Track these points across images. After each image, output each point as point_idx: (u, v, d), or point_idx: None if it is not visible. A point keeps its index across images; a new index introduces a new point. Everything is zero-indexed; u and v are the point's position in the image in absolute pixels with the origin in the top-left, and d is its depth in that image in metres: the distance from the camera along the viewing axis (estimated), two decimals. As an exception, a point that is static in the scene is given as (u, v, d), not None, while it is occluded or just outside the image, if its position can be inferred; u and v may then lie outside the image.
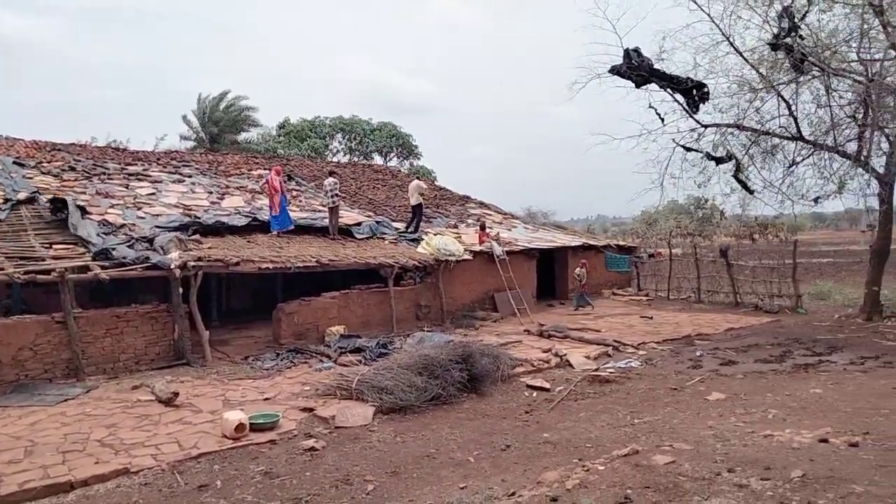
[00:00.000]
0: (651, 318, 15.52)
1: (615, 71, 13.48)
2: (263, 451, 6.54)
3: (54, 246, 11.05)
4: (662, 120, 13.89)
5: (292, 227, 14.47)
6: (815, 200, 14.55)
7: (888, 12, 11.78)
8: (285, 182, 15.55)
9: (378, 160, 36.94)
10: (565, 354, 10.79)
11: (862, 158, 13.33)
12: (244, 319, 14.75)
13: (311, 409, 7.85)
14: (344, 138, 37.75)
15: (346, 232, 15.65)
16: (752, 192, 14.53)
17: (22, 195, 13.03)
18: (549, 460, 6.20)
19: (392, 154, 38.52)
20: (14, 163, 15.40)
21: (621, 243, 22.57)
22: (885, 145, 13.67)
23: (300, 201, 17.94)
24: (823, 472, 4.59)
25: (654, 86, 13.64)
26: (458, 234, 17.59)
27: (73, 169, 16.15)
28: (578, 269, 17.44)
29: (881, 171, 13.58)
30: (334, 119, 37.50)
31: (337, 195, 15.32)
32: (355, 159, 35.70)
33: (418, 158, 39.28)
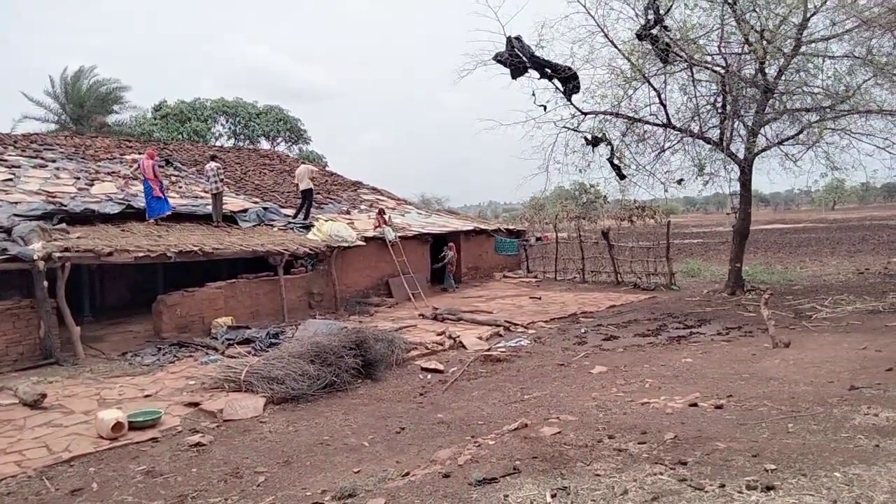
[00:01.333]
0: (539, 298, 16.12)
1: (499, 58, 13.79)
2: (144, 449, 6.18)
3: None
4: (545, 108, 14.40)
5: (170, 213, 13.66)
6: (679, 182, 15.67)
7: (740, 6, 12.79)
8: (161, 167, 14.66)
9: (265, 145, 35.69)
10: (458, 336, 10.98)
11: (723, 144, 14.49)
12: (122, 314, 13.85)
13: (196, 404, 7.51)
14: (227, 122, 36.11)
15: (231, 219, 15.03)
16: (623, 178, 15.40)
17: None
18: (443, 440, 6.29)
19: (279, 139, 37.35)
20: None
21: (511, 227, 23.23)
22: (743, 132, 14.94)
23: (180, 187, 16.98)
24: (692, 433, 4.99)
25: (536, 73, 14.08)
26: (350, 220, 17.38)
27: (-89, 152, 14.37)
28: (447, 251, 18.05)
29: (740, 156, 14.84)
30: (216, 101, 35.75)
31: (220, 180, 14.64)
32: (241, 144, 34.26)
33: (307, 143, 38.41)
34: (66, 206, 12.77)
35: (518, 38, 13.60)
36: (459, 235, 19.55)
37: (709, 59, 14.04)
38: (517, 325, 12.26)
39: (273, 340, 10.66)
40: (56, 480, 5.43)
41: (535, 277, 20.68)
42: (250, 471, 5.59)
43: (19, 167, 15.30)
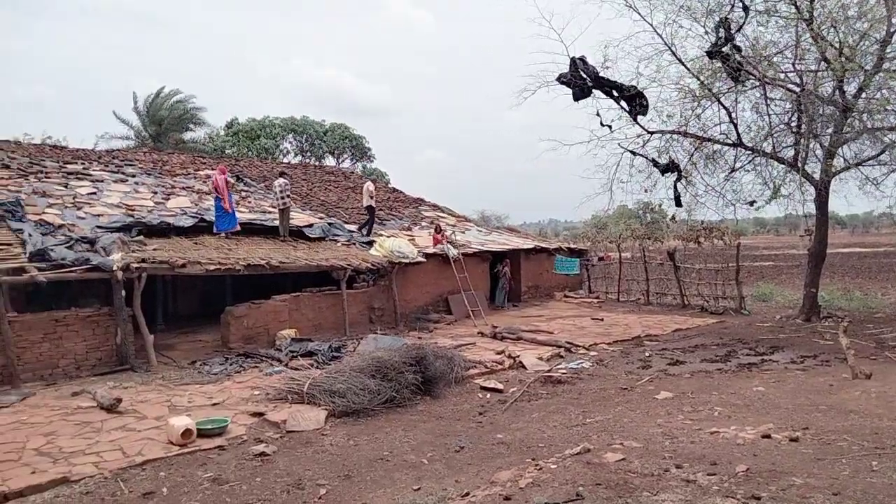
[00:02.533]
0: (602, 319, 15.81)
1: (562, 79, 13.71)
2: (212, 457, 6.36)
3: (-13, 247, 10.52)
4: (610, 127, 14.20)
5: (238, 228, 14.13)
6: (751, 203, 15.10)
7: (817, 23, 12.31)
8: (232, 182, 15.21)
9: (331, 162, 36.56)
10: (518, 356, 10.88)
11: (798, 164, 13.92)
12: (192, 323, 14.36)
13: (261, 414, 7.68)
14: (295, 139, 37.21)
15: (297, 233, 15.42)
16: (679, 205, 15.01)
17: (-49, 193, 12.38)
18: (503, 460, 6.22)
19: (345, 156, 38.19)
20: (-57, 159, 14.61)
21: (572, 246, 22.94)
22: (819, 152, 14.30)
23: (249, 202, 17.58)
24: (766, 466, 4.75)
25: (601, 93, 13.93)
26: (411, 236, 17.55)
27: (7, 167, 15.42)
28: (501, 268, 17.94)
29: (816, 177, 14.21)
30: (285, 120, 36.91)
31: (287, 196, 15.08)
32: (307, 160, 35.22)
33: (371, 161, 39.08)
34: (143, 218, 13.40)
35: (582, 59, 13.51)
36: (520, 253, 19.44)
37: (782, 76, 13.55)
38: (578, 346, 12.04)
39: (335, 354, 10.83)
40: (130, 483, 5.65)
41: (597, 298, 20.31)
42: (312, 483, 5.66)
43: (102, 181, 16.19)
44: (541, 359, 10.93)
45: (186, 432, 6.57)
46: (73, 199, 14.13)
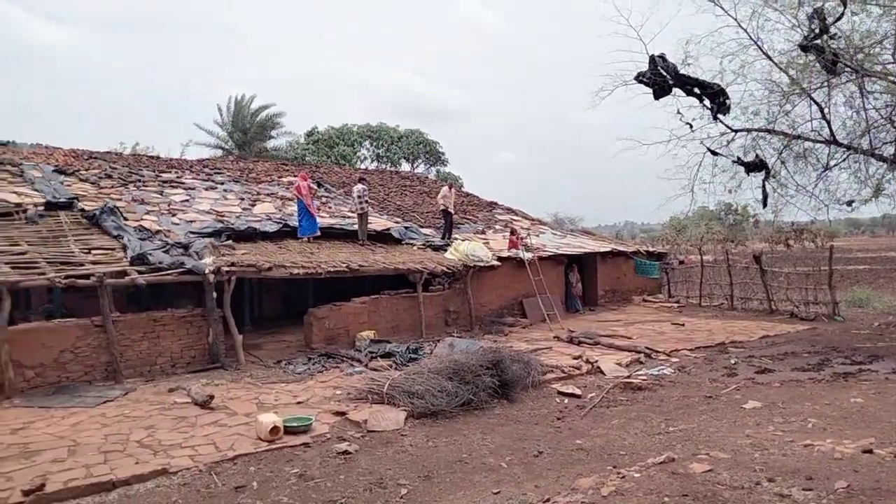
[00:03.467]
0: (683, 324, 15.32)
1: (641, 78, 13.40)
2: (297, 453, 6.61)
3: (93, 251, 11.32)
4: (691, 126, 13.74)
5: (318, 234, 14.58)
6: (849, 204, 14.24)
7: None
8: (314, 188, 15.72)
9: (405, 167, 37.13)
10: (596, 361, 10.71)
11: (900, 162, 13.03)
12: (276, 324, 14.91)
13: (343, 413, 7.91)
14: (371, 145, 38.02)
15: (375, 237, 15.76)
16: (765, 205, 14.31)
17: (61, 201, 13.38)
18: (583, 467, 6.16)
19: (419, 161, 38.68)
20: (54, 170, 15.83)
21: (651, 249, 22.35)
22: (925, 149, 13.33)
23: (329, 207, 18.13)
24: (869, 484, 4.49)
25: (681, 91, 13.52)
26: (485, 239, 17.59)
27: (109, 176, 16.53)
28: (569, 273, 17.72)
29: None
30: (362, 126, 37.78)
31: (366, 201, 15.44)
32: (383, 166, 35.92)
33: (445, 165, 39.40)
34: (232, 224, 14.06)
35: (662, 56, 13.14)
36: (595, 257, 19.12)
37: (878, 68, 12.72)
38: (659, 352, 11.73)
39: (412, 355, 11.00)
40: (222, 476, 5.96)
41: (678, 302, 19.68)
42: (393, 482, 5.79)
43: (194, 189, 17.11)
44: (619, 364, 10.71)
45: (274, 429, 6.85)
46: (168, 205, 15.01)
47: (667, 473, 5.30)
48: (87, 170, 16.70)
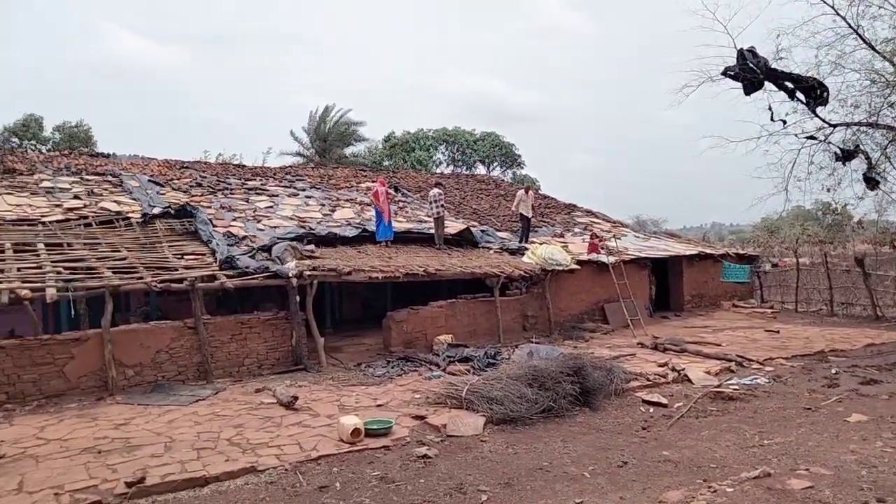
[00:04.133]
0: (777, 331, 14.47)
1: (728, 73, 12.78)
2: (378, 456, 6.66)
3: (185, 256, 11.91)
4: (784, 122, 12.99)
5: (391, 238, 14.75)
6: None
7: None
8: (391, 193, 15.94)
9: (481, 170, 37.14)
10: (683, 369, 10.27)
11: None
12: (355, 327, 15.20)
13: (422, 417, 7.92)
14: (447, 149, 38.26)
15: (451, 241, 15.80)
16: (873, 187, 13.22)
17: (157, 210, 14.18)
18: (671, 479, 5.90)
19: (495, 163, 38.60)
20: (149, 180, 16.80)
21: (740, 252, 21.30)
22: None
23: (406, 212, 18.33)
24: None
25: (772, 86, 12.80)
26: (564, 243, 17.28)
27: (199, 185, 17.40)
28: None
29: None
30: (437, 131, 38.11)
31: (442, 206, 15.51)
32: (459, 170, 36.06)
33: (522, 167, 39.14)
34: (313, 229, 14.45)
35: (751, 50, 12.48)
36: (681, 260, 18.41)
37: None
38: (751, 360, 11.11)
39: (490, 360, 10.92)
40: (307, 476, 6.08)
41: (771, 308, 18.63)
42: (473, 488, 5.73)
43: (277, 196, 17.73)
44: (708, 373, 10.22)
45: (355, 431, 6.94)
46: (254, 212, 15.62)
47: (762, 489, 5.01)
48: (178, 179, 17.64)
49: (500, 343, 13.07)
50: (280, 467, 6.25)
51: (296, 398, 8.53)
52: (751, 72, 12.42)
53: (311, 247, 13.20)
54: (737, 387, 9.40)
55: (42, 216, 12.89)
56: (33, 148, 24.65)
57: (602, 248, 16.14)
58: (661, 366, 10.66)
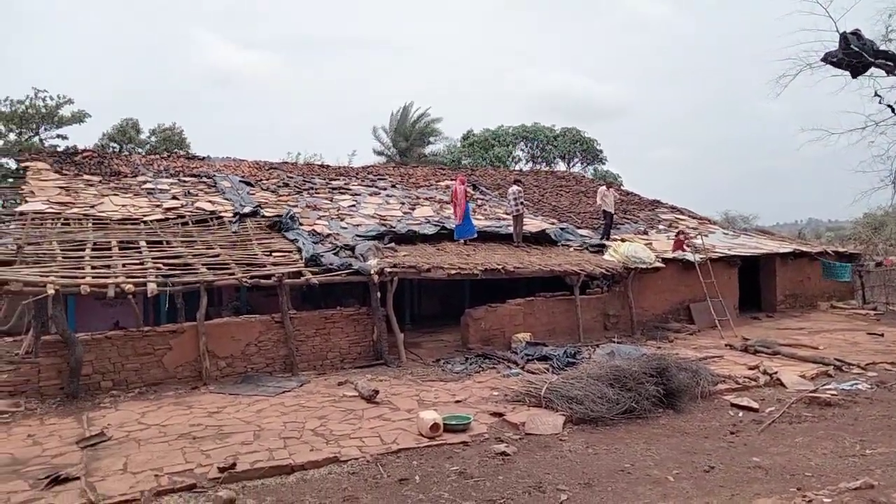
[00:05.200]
0: (882, 335, 13.49)
1: (830, 59, 12.02)
2: (457, 451, 6.71)
3: (273, 253, 12.40)
4: (893, 109, 12.09)
5: (475, 236, 14.78)
6: None
7: None
8: (470, 192, 15.98)
9: (561, 166, 36.62)
10: (776, 372, 9.77)
11: None
12: (434, 323, 15.34)
13: (500, 414, 7.92)
14: (526, 146, 37.95)
15: (530, 239, 15.68)
16: None
17: (247, 209, 14.83)
18: (761, 486, 5.64)
19: (576, 160, 37.96)
20: (240, 181, 17.59)
21: (840, 250, 19.98)
22: None
23: (485, 210, 18.34)
24: None
25: (881, 70, 11.94)
26: (648, 240, 16.80)
27: (286, 185, 18.05)
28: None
29: None
30: (517, 128, 37.85)
31: (521, 203, 15.41)
32: (538, 166, 35.71)
33: (603, 163, 38.29)
34: (394, 227, 14.71)
35: (855, 33, 11.70)
36: (774, 258, 17.49)
37: None
38: (851, 364, 10.43)
39: (570, 360, 10.77)
40: (388, 468, 6.22)
41: (874, 309, 17.39)
42: (552, 487, 5.68)
43: (360, 195, 18.15)
44: (803, 377, 9.67)
45: (434, 426, 7.03)
46: (337, 211, 16.06)
47: (864, 501, 4.71)
48: (267, 179, 18.37)
49: (580, 342, 12.87)
50: (362, 458, 6.42)
51: (377, 392, 8.72)
52: (855, 56, 11.65)
53: (392, 244, 13.44)
54: (835, 392, 8.85)
55: (144, 216, 13.76)
56: (135, 151, 26.34)
57: (688, 246, 15.57)
58: (751, 368, 10.20)
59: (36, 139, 26.22)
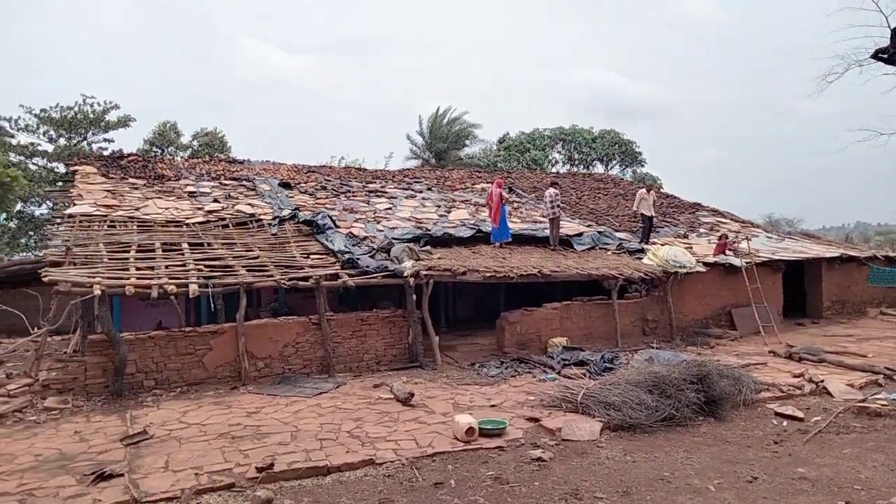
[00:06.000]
0: (935, 343, 12.96)
1: (881, 55, 11.63)
2: (492, 456, 6.67)
3: (310, 256, 12.55)
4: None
5: (509, 240, 14.69)
6: None
7: None
8: (505, 195, 15.89)
9: (599, 169, 36.24)
10: (822, 381, 9.46)
11: None
12: (469, 327, 15.31)
13: (536, 420, 7.85)
14: (563, 149, 37.67)
15: (566, 242, 15.53)
16: None
17: (286, 212, 15.05)
18: (807, 498, 5.47)
19: (614, 162, 37.52)
20: (279, 184, 17.86)
21: (890, 254, 19.27)
22: None
23: (521, 213, 18.24)
24: None
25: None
26: (688, 244, 16.47)
27: (324, 188, 18.26)
28: None
29: None
30: (553, 130, 37.62)
31: (558, 206, 15.28)
32: (575, 169, 35.40)
33: (642, 165, 37.76)
34: (429, 230, 14.72)
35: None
36: (820, 263, 16.97)
37: None
38: (903, 373, 10.04)
39: (607, 365, 10.62)
40: (423, 471, 6.21)
41: (927, 316, 16.73)
42: (590, 495, 5.59)
43: (395, 198, 18.25)
44: (851, 386, 9.35)
45: (470, 430, 7.00)
46: (374, 213, 16.18)
47: (920, 519, 4.50)
48: (305, 182, 18.62)
49: (618, 347, 12.68)
50: (397, 461, 6.43)
51: (412, 395, 8.73)
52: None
53: (428, 247, 13.46)
54: (885, 402, 8.51)
55: (186, 218, 14.08)
56: (177, 155, 27.00)
57: (731, 250, 15.21)
58: (796, 376, 9.90)
59: (84, 144, 27.08)
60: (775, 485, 5.83)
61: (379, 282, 11.63)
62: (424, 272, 11.60)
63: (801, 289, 17.34)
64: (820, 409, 8.38)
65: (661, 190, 26.25)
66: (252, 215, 14.78)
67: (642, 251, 15.17)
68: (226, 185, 17.43)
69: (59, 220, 13.20)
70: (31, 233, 24.95)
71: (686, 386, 7.91)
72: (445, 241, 14.38)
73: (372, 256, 12.41)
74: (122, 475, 5.99)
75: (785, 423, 7.85)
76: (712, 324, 14.77)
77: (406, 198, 18.44)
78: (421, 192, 19.43)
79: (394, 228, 14.84)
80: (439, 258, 12.74)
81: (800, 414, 8.10)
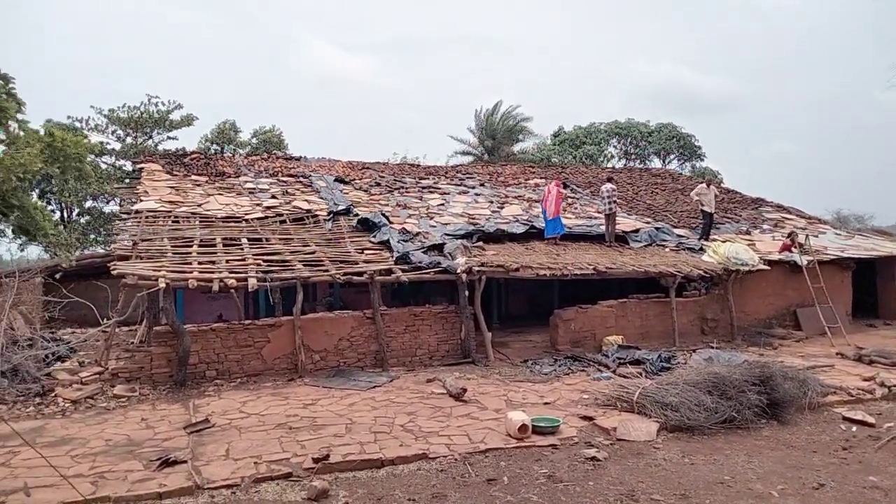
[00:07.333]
0: None
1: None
2: (545, 454, 6.61)
3: (365, 251, 12.70)
4: None
5: (563, 233, 14.49)
6: None
7: None
8: (563, 193, 15.67)
9: (657, 163, 35.39)
10: (894, 385, 9.00)
11: None
12: (521, 323, 15.21)
13: (590, 418, 7.74)
14: (619, 143, 36.93)
15: (622, 239, 15.24)
16: None
17: (340, 208, 15.28)
18: (880, 510, 5.20)
19: (672, 156, 36.55)
20: (335, 180, 18.15)
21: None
22: None
23: (575, 208, 17.99)
24: None
25: None
26: (750, 241, 15.91)
27: (378, 184, 18.45)
28: None
29: None
30: (609, 124, 36.91)
31: (614, 201, 15.01)
32: (632, 164, 34.68)
33: (702, 159, 36.64)
34: (482, 226, 14.70)
35: None
36: (894, 261, 16.11)
37: None
38: None
39: (664, 364, 10.38)
40: (475, 467, 6.21)
41: None
42: (646, 497, 5.48)
43: (448, 194, 18.28)
44: (928, 391, 8.86)
45: (523, 427, 6.95)
46: (427, 209, 16.24)
47: None
48: (360, 178, 18.85)
49: (675, 347, 12.37)
50: (450, 456, 6.45)
51: (465, 390, 8.75)
52: None
53: (480, 243, 13.43)
54: (967, 410, 8.03)
55: (245, 214, 14.47)
56: (236, 152, 27.75)
57: (795, 247, 14.61)
58: (866, 380, 9.45)
59: (149, 142, 28.14)
60: (844, 493, 5.59)
61: (432, 277, 11.67)
62: (477, 268, 11.59)
63: (872, 288, 16.52)
64: (893, 415, 8.00)
65: (722, 185, 25.43)
66: (308, 211, 15.06)
67: (702, 248, 14.74)
68: (283, 181, 17.81)
69: (126, 216, 13.75)
70: (101, 228, 26.09)
71: (748, 387, 7.65)
72: (498, 238, 14.33)
73: (424, 252, 12.46)
74: (185, 462, 6.21)
75: (854, 429, 7.51)
76: (776, 324, 14.23)
77: (459, 193, 18.45)
78: (473, 187, 19.40)
79: (446, 224, 14.86)
80: (492, 254, 12.70)
81: (871, 419, 7.73)
